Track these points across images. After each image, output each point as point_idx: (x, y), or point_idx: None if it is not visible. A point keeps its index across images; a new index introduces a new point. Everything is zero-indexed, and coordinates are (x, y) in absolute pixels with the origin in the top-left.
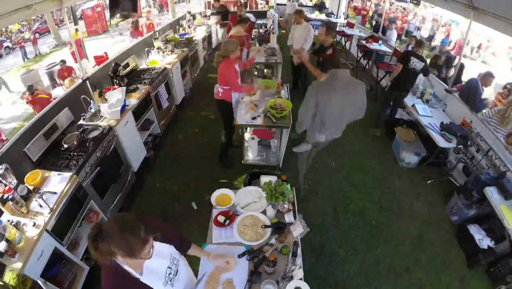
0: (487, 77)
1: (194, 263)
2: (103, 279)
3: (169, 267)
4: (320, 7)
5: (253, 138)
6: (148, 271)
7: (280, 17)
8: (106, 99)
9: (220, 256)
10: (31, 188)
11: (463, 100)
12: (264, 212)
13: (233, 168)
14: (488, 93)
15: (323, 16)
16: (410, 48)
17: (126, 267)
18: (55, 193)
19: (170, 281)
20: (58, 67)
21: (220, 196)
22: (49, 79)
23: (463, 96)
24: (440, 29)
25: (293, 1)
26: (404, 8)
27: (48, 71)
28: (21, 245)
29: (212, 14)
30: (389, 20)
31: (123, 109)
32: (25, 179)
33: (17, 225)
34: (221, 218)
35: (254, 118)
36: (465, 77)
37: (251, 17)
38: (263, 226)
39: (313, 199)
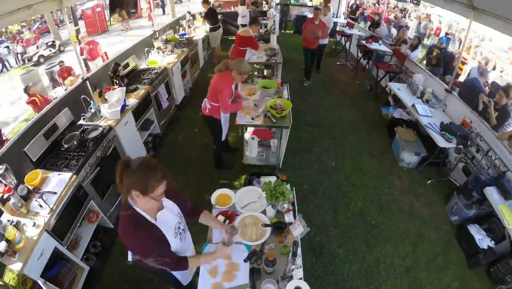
0: (484, 73)
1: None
2: (122, 227)
3: (179, 222)
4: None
5: (253, 138)
6: (161, 220)
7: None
8: (106, 99)
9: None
10: (31, 188)
11: (466, 101)
12: (264, 212)
13: (233, 168)
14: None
15: None
16: None
17: (142, 212)
18: (55, 193)
19: (179, 235)
20: (58, 67)
21: (220, 196)
22: (49, 79)
23: (464, 97)
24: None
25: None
26: (404, 9)
27: (48, 71)
28: (21, 245)
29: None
30: (389, 22)
31: (123, 109)
32: (25, 179)
33: (17, 225)
34: (221, 218)
35: (253, 118)
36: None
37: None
38: (263, 225)
39: (313, 199)
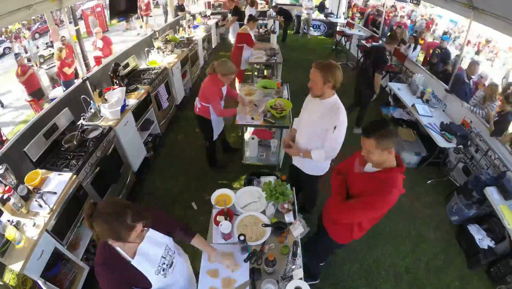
0: (473, 66)
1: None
2: (96, 253)
3: (163, 257)
4: (321, 8)
5: (253, 138)
6: (141, 256)
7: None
8: (106, 99)
9: (224, 255)
10: (31, 188)
11: (456, 94)
12: (264, 212)
13: (225, 168)
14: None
15: (321, 16)
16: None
17: (118, 249)
18: (55, 193)
19: (163, 271)
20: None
21: (220, 196)
22: (49, 79)
23: (454, 90)
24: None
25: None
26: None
27: (48, 71)
28: (21, 246)
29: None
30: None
31: (123, 109)
32: (25, 179)
33: (17, 225)
34: (220, 218)
35: (253, 118)
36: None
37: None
38: (263, 225)
39: None
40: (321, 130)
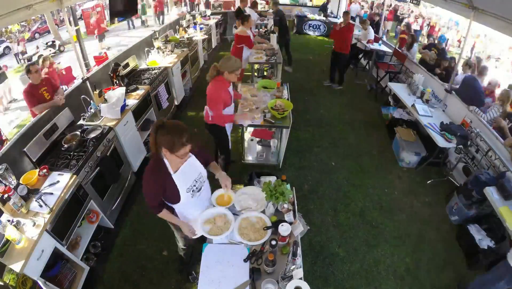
0: (482, 70)
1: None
2: (149, 164)
3: (196, 180)
4: (323, 9)
5: (252, 140)
6: (180, 173)
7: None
8: (106, 100)
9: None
10: (31, 188)
11: (465, 101)
12: (263, 211)
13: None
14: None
15: (320, 16)
16: None
17: (166, 162)
18: (51, 194)
19: (192, 191)
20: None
21: (221, 196)
22: None
23: (463, 97)
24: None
25: None
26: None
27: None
28: (21, 246)
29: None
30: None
31: (123, 109)
32: (20, 179)
33: (17, 225)
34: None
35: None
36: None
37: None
38: (265, 228)
39: (313, 199)
40: None
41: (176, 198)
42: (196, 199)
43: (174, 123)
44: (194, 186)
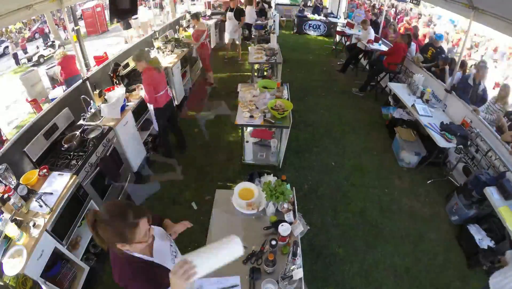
0: (481, 69)
1: None
2: (117, 271)
3: (171, 245)
4: (316, 10)
5: (247, 141)
6: (158, 252)
7: (281, 16)
8: (106, 100)
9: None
10: (31, 188)
11: (466, 100)
12: (264, 211)
13: (226, 168)
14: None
15: (320, 16)
16: None
17: (136, 254)
18: (51, 193)
19: (175, 258)
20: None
21: (244, 190)
22: (49, 80)
23: (462, 95)
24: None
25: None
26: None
27: (48, 71)
28: (22, 243)
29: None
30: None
31: (123, 109)
32: (20, 180)
33: (17, 224)
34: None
35: (251, 116)
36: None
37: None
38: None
39: (313, 199)
40: None
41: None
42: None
43: (106, 208)
44: (174, 251)
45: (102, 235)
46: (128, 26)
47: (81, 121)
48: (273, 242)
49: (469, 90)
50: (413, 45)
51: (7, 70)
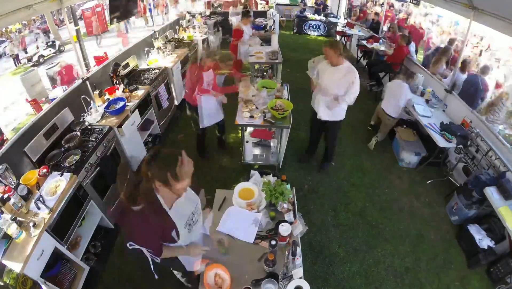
0: (484, 70)
1: None
2: (138, 202)
3: (193, 213)
4: (317, 11)
5: (247, 141)
6: (176, 208)
7: (281, 17)
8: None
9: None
10: (31, 188)
11: (464, 98)
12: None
13: (226, 169)
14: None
15: (319, 16)
16: None
17: (159, 197)
18: (51, 195)
19: (189, 226)
20: (57, 68)
21: (244, 190)
22: (49, 80)
23: (463, 95)
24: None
25: None
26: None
27: (48, 71)
28: (20, 239)
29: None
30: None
31: (123, 109)
32: (20, 180)
33: (17, 223)
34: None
35: (252, 116)
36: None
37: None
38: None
39: (313, 199)
40: (343, 86)
41: (174, 238)
42: (191, 234)
43: (171, 152)
44: (191, 219)
45: (153, 168)
46: None
47: (81, 121)
48: (273, 242)
49: (477, 95)
50: (413, 45)
51: (6, 72)
